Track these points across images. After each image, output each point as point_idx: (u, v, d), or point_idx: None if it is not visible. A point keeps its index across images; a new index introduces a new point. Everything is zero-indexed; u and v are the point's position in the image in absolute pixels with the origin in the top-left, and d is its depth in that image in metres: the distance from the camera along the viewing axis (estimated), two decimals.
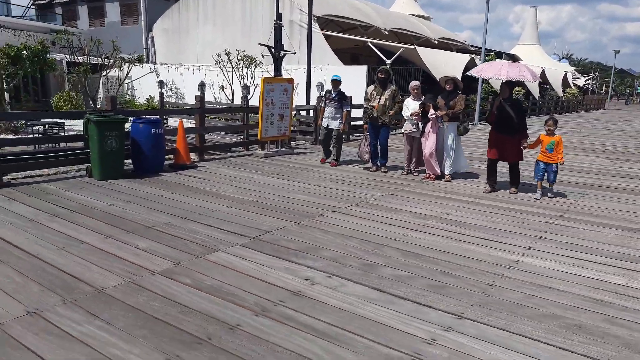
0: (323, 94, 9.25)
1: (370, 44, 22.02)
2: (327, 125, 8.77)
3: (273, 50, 15.19)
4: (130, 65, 18.25)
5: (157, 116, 7.95)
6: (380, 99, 8.00)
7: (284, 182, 7.19)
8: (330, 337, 2.86)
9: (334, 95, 8.67)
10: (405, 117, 7.95)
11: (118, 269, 3.72)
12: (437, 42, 28.61)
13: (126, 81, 20.38)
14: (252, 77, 18.49)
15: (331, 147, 8.91)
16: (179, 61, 23.44)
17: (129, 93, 22.77)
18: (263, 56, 17.33)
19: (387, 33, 25.21)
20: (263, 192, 6.53)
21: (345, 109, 8.71)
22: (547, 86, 35.27)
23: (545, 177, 6.67)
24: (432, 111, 7.45)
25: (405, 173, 8.15)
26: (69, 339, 2.73)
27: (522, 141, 6.62)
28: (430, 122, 7.53)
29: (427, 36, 28.17)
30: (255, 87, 17.89)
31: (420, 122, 7.73)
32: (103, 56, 17.31)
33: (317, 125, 10.25)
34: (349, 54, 24.97)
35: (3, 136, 13.59)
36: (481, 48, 22.00)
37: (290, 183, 7.16)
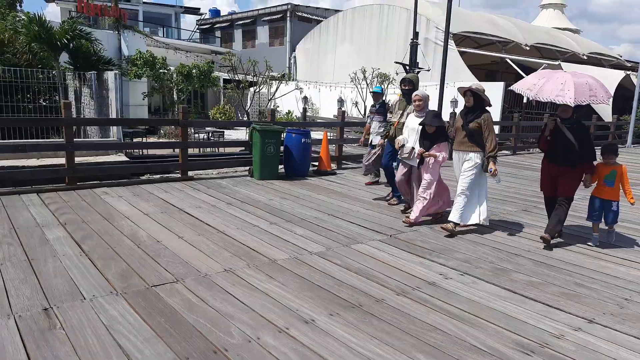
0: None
1: (508, 60, 21.35)
2: (372, 142, 7.57)
3: (407, 67, 15.79)
4: (278, 83, 20.38)
5: (307, 128, 9.04)
6: (402, 114, 6.29)
7: None
8: (463, 320, 3.31)
9: (377, 107, 7.69)
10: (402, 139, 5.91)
11: (284, 247, 4.60)
12: (585, 58, 26.42)
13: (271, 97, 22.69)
14: (385, 93, 19.27)
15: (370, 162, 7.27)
16: (317, 79, 25.32)
17: (273, 107, 25.26)
18: (397, 73, 18.00)
19: (527, 48, 24.13)
20: None
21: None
22: None
23: (603, 217, 5.20)
24: (430, 153, 5.44)
25: (405, 208, 6.26)
26: (256, 290, 3.60)
27: (585, 175, 4.99)
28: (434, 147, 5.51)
29: (574, 51, 26.22)
30: (387, 103, 18.64)
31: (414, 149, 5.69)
32: (256, 74, 19.65)
33: (360, 143, 8.55)
34: (484, 71, 24.40)
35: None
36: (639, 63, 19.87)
37: None
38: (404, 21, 22.87)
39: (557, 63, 20.54)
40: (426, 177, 5.61)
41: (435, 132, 5.48)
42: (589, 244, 5.20)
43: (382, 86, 7.45)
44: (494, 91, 18.43)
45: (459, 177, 5.39)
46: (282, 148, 8.23)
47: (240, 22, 33.61)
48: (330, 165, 9.14)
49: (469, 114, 5.28)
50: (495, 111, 17.36)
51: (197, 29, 37.33)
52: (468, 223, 5.44)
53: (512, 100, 18.70)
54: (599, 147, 5.27)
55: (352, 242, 4.90)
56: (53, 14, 34.28)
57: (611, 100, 4.64)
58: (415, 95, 5.86)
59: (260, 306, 3.34)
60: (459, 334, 3.11)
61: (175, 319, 3.10)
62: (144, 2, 31.83)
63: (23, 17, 14.54)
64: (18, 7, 21.40)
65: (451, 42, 19.90)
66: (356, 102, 20.55)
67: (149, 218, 5.35)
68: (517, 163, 12.06)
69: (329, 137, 9.52)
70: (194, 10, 37.32)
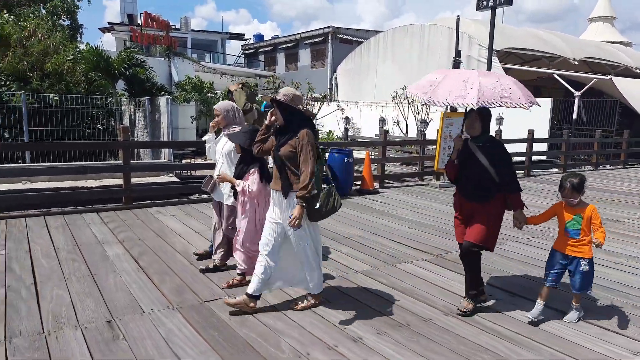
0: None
1: (555, 75, 20.76)
2: None
3: None
4: (320, 103, 20.75)
5: (349, 147, 9.17)
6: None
7: None
8: (515, 341, 3.24)
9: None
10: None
11: (329, 265, 4.67)
12: (639, 71, 25.26)
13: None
14: (427, 112, 19.15)
15: None
16: (358, 99, 25.53)
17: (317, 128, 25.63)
18: None
19: (576, 63, 23.37)
20: (441, 218, 7.02)
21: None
22: None
23: (570, 280, 3.64)
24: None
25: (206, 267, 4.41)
26: (307, 312, 3.67)
27: (514, 213, 3.66)
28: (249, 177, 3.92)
29: (625, 64, 25.13)
30: (430, 121, 18.51)
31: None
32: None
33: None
34: (530, 87, 23.65)
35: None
36: None
37: None
38: (446, 39, 22.78)
39: (607, 77, 19.77)
40: (238, 217, 4.06)
41: (246, 155, 3.93)
42: (527, 316, 3.54)
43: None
44: (541, 107, 17.97)
45: (268, 225, 3.60)
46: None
47: (283, 45, 34.55)
48: (373, 184, 9.17)
49: (282, 136, 3.48)
50: (543, 128, 16.76)
51: (242, 53, 38.69)
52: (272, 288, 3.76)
53: (560, 115, 18.12)
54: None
55: (397, 262, 4.90)
56: (108, 43, 36.58)
57: (534, 106, 3.53)
58: (215, 108, 4.26)
59: (309, 323, 3.41)
60: (512, 355, 3.05)
61: (228, 333, 3.22)
62: (192, 30, 33.44)
63: (82, 47, 15.65)
64: (78, 38, 23.05)
65: (495, 59, 19.63)
66: (398, 121, 20.53)
67: (199, 235, 5.58)
68: None
69: (371, 156, 9.59)
70: (239, 36, 38.76)
